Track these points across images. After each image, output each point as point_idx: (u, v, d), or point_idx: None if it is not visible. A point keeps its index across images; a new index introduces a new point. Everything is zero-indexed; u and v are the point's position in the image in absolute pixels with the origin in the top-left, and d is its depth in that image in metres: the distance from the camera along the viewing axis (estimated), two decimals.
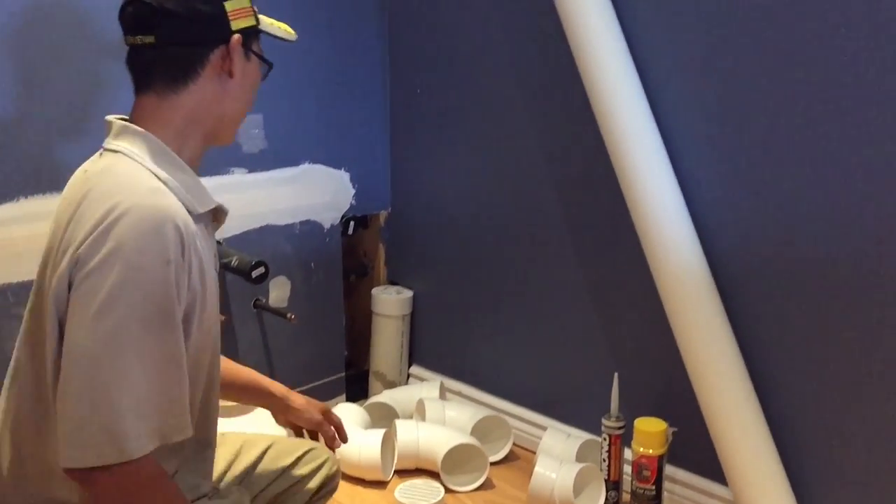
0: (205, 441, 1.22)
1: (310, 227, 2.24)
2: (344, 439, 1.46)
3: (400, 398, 2.25)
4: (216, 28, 1.14)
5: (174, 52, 1.12)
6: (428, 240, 2.38)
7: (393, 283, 2.49)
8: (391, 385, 2.42)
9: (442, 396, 2.30)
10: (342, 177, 2.30)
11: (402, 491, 1.88)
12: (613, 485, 1.88)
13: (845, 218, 1.54)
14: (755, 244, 1.68)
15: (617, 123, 1.73)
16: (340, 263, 2.34)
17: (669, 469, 1.85)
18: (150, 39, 1.11)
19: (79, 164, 1.16)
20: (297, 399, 1.43)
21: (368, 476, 1.99)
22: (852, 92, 1.50)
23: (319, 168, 2.24)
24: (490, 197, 2.18)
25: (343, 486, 1.89)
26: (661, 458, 1.77)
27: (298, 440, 1.46)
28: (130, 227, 1.01)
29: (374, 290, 2.42)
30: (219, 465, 1.32)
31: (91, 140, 1.45)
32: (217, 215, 1.20)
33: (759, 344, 1.70)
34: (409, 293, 2.42)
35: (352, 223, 2.37)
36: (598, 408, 1.90)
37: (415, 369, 2.47)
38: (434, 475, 2.01)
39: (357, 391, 2.47)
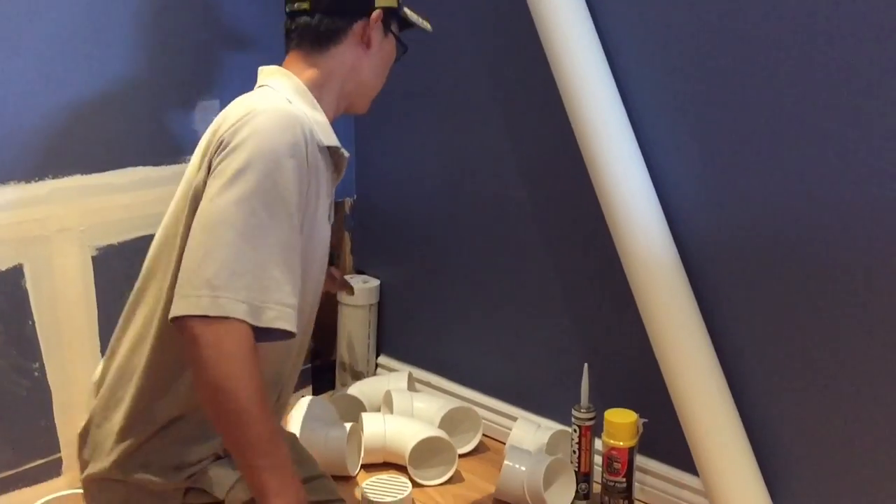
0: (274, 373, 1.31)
1: None
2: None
3: (367, 390, 2.20)
4: (362, 2, 1.35)
5: (324, 18, 1.33)
6: (395, 227, 2.32)
7: (359, 271, 2.44)
8: (359, 376, 2.37)
9: (410, 387, 2.25)
10: None
11: (368, 486, 1.83)
12: (584, 477, 1.84)
13: (822, 200, 1.51)
14: (726, 229, 1.64)
15: (584, 105, 1.68)
16: None
17: (641, 460, 1.82)
18: (305, 5, 1.33)
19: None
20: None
21: (334, 471, 1.93)
22: (829, 75, 1.46)
23: None
24: (458, 183, 2.13)
25: None
26: (631, 449, 1.73)
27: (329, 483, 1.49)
28: (266, 119, 1.15)
29: None
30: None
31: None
32: (338, 163, 1.34)
33: (730, 332, 1.67)
34: (375, 282, 2.36)
35: None
36: (569, 398, 1.87)
37: (383, 359, 2.42)
38: (402, 469, 1.96)
39: (324, 383, 2.41)
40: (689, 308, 1.65)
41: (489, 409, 2.16)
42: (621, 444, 1.72)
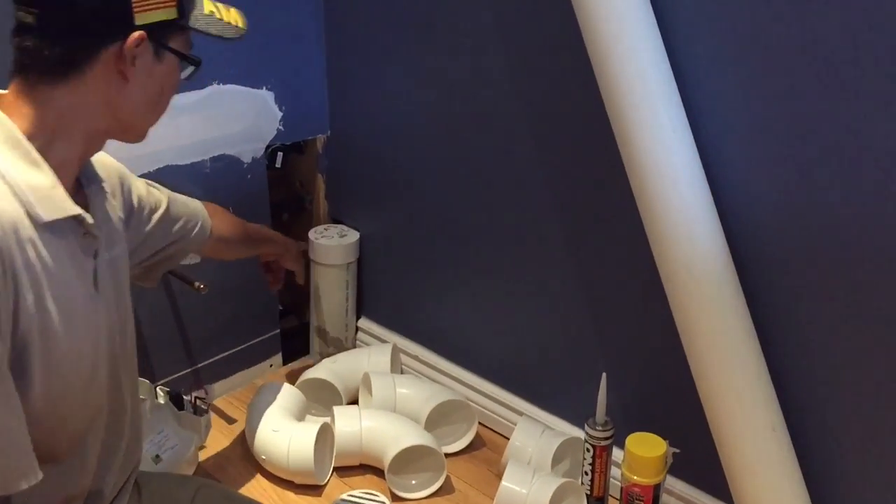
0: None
1: (224, 163, 1.78)
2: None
3: (342, 370, 1.87)
4: (112, 20, 0.94)
5: (55, 39, 0.92)
6: (378, 169, 1.92)
7: (336, 221, 2.06)
8: (336, 343, 2.04)
9: (395, 364, 1.92)
10: (264, 97, 1.82)
11: None
12: (597, 501, 1.53)
13: None
14: (796, 227, 1.25)
15: (614, 54, 1.26)
16: (267, 204, 1.90)
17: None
18: (29, 19, 0.92)
19: None
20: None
21: (299, 480, 1.64)
22: None
23: (232, 89, 1.75)
24: (453, 116, 1.71)
25: (271, 490, 1.58)
26: (657, 486, 1.41)
27: None
28: None
29: (313, 233, 1.98)
30: None
31: None
32: (86, 227, 0.99)
33: (791, 355, 1.31)
34: (354, 236, 1.99)
35: (279, 154, 1.91)
36: (580, 392, 1.56)
37: (364, 323, 2.08)
38: (382, 474, 1.66)
39: (296, 347, 2.09)
40: (740, 324, 1.28)
41: (487, 395, 1.83)
42: (646, 480, 1.40)
